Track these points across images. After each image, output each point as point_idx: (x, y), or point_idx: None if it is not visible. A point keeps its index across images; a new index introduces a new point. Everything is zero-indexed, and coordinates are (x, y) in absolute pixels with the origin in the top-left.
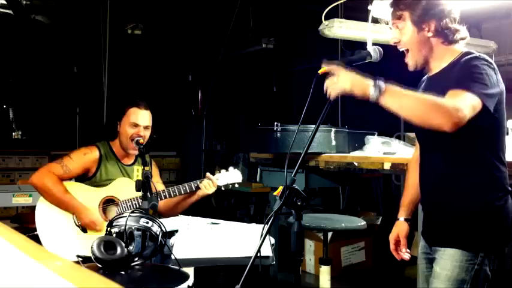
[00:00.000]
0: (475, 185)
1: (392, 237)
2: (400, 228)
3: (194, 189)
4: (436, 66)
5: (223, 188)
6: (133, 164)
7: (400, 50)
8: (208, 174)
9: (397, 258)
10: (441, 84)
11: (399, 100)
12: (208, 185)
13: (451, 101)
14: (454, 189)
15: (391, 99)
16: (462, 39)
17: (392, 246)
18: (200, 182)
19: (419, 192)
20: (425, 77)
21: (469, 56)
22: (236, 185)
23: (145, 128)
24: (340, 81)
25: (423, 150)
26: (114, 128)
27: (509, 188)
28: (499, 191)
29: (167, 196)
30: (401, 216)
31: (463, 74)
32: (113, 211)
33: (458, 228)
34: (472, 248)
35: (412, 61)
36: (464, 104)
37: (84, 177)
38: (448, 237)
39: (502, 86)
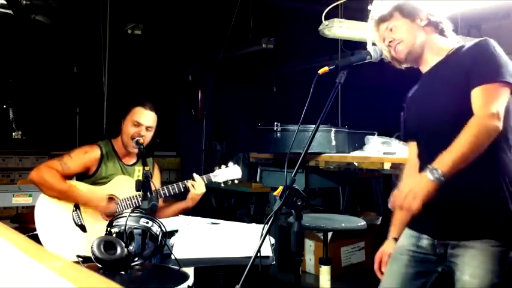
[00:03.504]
0: (493, 170)
1: (376, 257)
2: (389, 247)
3: (182, 189)
4: (432, 59)
5: (222, 185)
6: (134, 164)
7: (394, 49)
8: (194, 174)
9: (380, 277)
10: (439, 77)
11: (455, 164)
12: (196, 184)
13: (480, 111)
14: (478, 177)
15: (451, 170)
16: (451, 35)
17: (376, 266)
18: (187, 182)
19: None
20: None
21: (470, 44)
22: (236, 181)
23: (148, 128)
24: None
25: (430, 148)
26: (118, 126)
27: None
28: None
29: (166, 194)
30: (390, 235)
31: (478, 63)
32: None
33: (488, 215)
34: (503, 236)
35: (404, 48)
36: (494, 102)
37: (85, 175)
38: (478, 228)
39: None
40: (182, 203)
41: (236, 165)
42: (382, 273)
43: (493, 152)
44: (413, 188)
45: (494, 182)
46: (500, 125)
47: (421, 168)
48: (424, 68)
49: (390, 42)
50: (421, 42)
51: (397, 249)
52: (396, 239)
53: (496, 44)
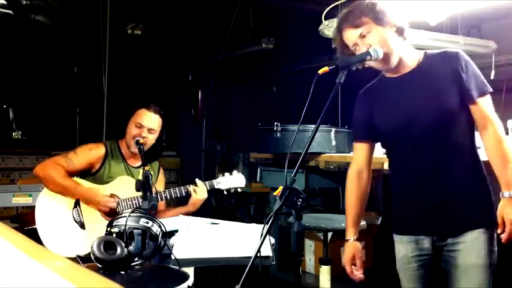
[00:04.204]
0: (476, 168)
1: (348, 260)
2: (355, 249)
3: (184, 194)
4: (403, 65)
5: (225, 192)
6: (139, 167)
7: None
8: (197, 180)
9: (356, 280)
10: (422, 83)
11: None
12: (197, 190)
13: (493, 120)
14: (463, 174)
15: None
16: (409, 39)
17: (349, 269)
18: (189, 187)
19: (413, 194)
20: (376, 80)
21: (441, 53)
22: (239, 189)
23: (150, 130)
24: None
25: (419, 148)
26: (124, 127)
27: None
28: (485, 174)
29: (168, 197)
30: (352, 236)
31: (472, 78)
32: None
33: (477, 207)
34: (493, 225)
35: (391, 58)
36: (493, 110)
37: (88, 172)
38: (471, 219)
39: None
40: (183, 208)
41: (240, 173)
42: (352, 273)
43: (474, 152)
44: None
45: (480, 178)
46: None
47: (398, 169)
48: (393, 73)
49: (369, 48)
50: (397, 50)
51: (403, 259)
52: (357, 239)
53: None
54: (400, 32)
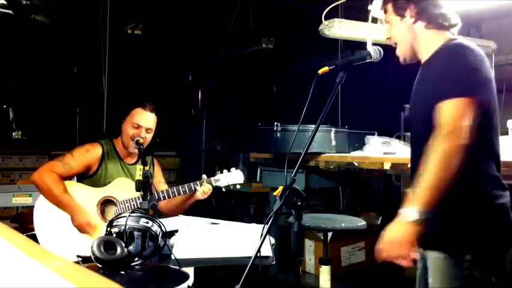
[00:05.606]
0: (465, 184)
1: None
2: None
3: (194, 190)
4: (425, 55)
5: (223, 189)
6: (135, 163)
7: (393, 45)
8: (204, 177)
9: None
10: (421, 77)
11: (429, 196)
12: (205, 190)
13: (440, 130)
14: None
15: (428, 204)
16: (451, 26)
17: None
18: (200, 185)
19: None
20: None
21: (445, 46)
22: (238, 186)
23: (148, 130)
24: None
25: (414, 145)
26: (119, 127)
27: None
28: (490, 186)
29: (166, 197)
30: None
31: (442, 75)
32: (111, 211)
33: (442, 226)
34: (456, 250)
35: (400, 52)
36: (452, 120)
37: (86, 174)
38: (433, 239)
39: (490, 74)
40: (191, 200)
41: (239, 170)
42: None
43: (471, 166)
44: (396, 239)
45: (466, 195)
46: (462, 140)
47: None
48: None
49: (388, 38)
50: (411, 45)
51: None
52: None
53: (466, 50)
54: (426, 20)
